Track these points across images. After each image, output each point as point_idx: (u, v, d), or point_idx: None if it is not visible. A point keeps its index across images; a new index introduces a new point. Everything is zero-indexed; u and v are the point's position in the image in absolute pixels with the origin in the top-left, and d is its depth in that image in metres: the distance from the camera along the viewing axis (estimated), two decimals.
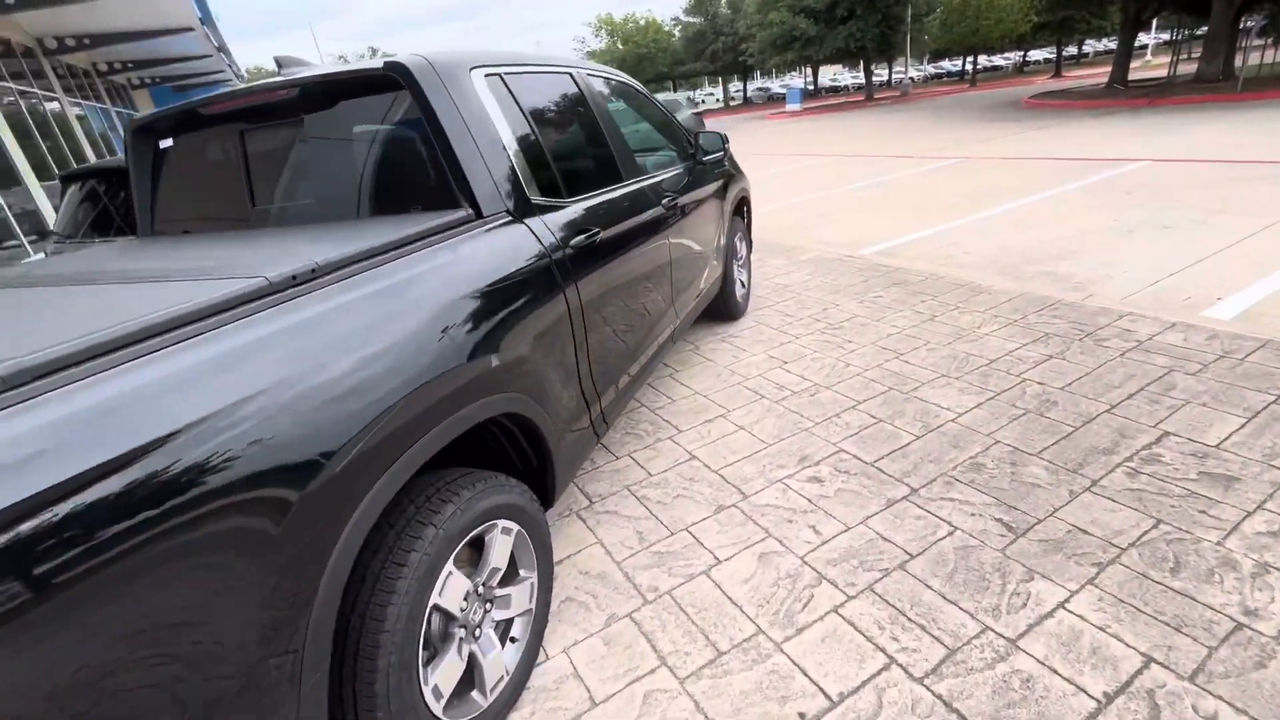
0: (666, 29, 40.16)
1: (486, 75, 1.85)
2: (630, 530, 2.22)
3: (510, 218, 1.71)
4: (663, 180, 2.76)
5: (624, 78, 2.89)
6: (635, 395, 2.74)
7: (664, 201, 2.62)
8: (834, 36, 24.84)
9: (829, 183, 9.21)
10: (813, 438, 2.63)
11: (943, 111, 18.81)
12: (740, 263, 4.10)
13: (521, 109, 1.96)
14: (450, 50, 1.79)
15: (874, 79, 30.77)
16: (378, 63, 1.65)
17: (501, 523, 1.49)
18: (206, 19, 11.97)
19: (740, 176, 3.95)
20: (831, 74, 55.12)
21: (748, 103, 45.61)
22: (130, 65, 15.17)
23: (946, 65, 51.09)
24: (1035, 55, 45.87)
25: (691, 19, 38.08)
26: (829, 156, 12.17)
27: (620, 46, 38.26)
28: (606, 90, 2.68)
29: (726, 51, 36.51)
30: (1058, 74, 29.32)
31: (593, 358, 2.00)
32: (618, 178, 2.39)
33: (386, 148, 1.83)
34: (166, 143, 2.08)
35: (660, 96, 13.48)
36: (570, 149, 2.25)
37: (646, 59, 37.76)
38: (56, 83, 11.49)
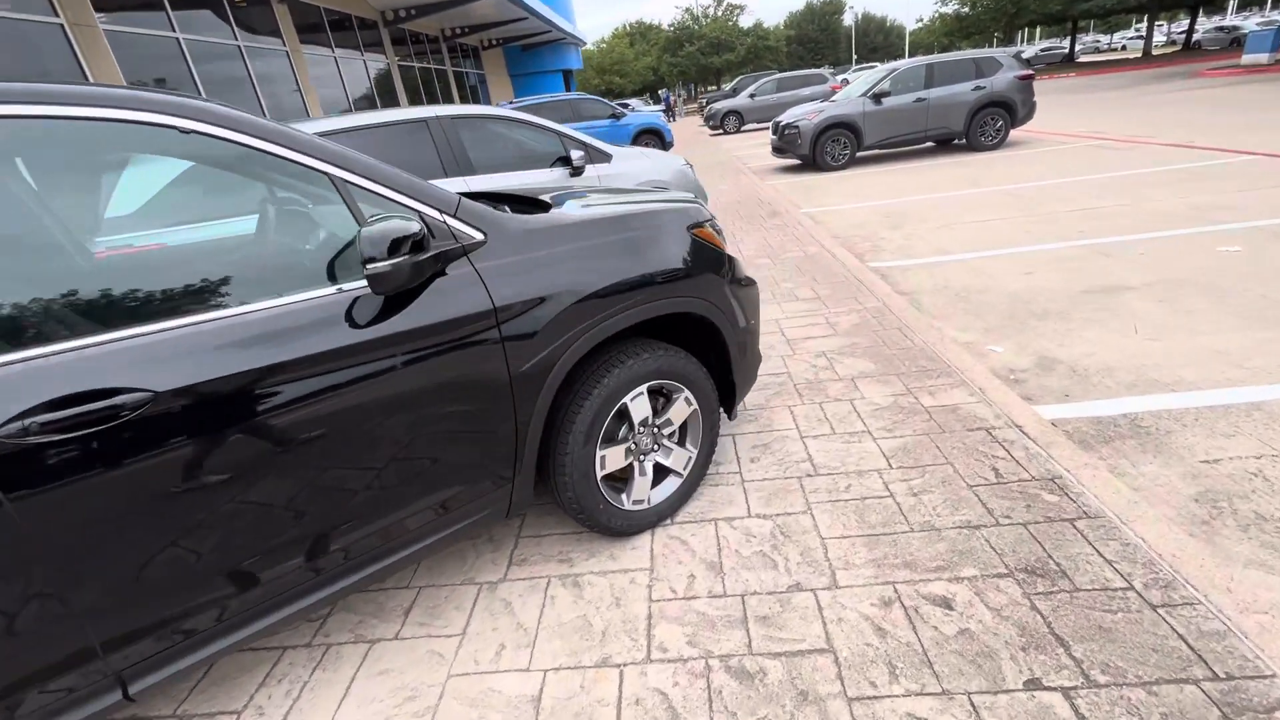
0: None
1: None
2: None
3: None
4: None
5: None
6: None
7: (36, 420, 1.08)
8: None
9: (1182, 215, 5.29)
10: None
11: None
12: (669, 434, 2.12)
13: None
14: None
15: None
16: None
17: None
18: None
19: (687, 280, 1.92)
20: None
21: (1190, 49, 32.49)
22: (466, 30, 17.49)
23: None
24: None
25: None
26: (1253, 157, 7.26)
27: None
28: None
29: None
30: None
31: None
32: None
33: None
34: None
35: (976, 51, 9.80)
36: None
37: None
38: (392, 49, 13.63)
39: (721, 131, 20.59)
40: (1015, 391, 2.86)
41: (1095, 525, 1.91)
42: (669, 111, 36.35)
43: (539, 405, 1.71)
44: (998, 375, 3.03)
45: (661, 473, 2.16)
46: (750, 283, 2.29)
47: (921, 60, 9.94)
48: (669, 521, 2.18)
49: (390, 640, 1.84)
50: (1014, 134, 10.59)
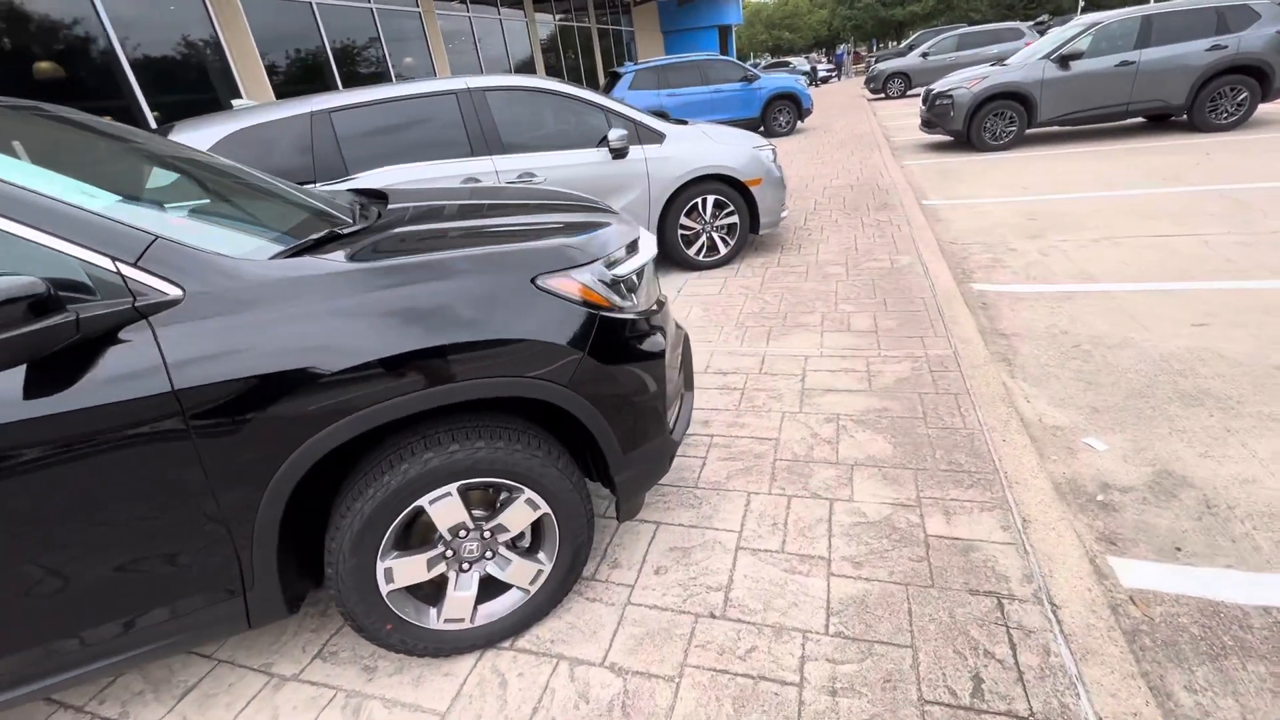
0: None
1: None
2: None
3: None
4: None
5: None
6: None
7: None
8: None
9: None
10: None
11: None
12: (507, 542, 1.62)
13: None
14: None
15: None
16: None
17: None
18: None
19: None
20: None
21: None
22: None
23: None
24: None
25: None
26: None
27: None
28: None
29: None
30: None
31: None
32: None
33: None
34: None
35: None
36: None
37: None
38: (531, 6, 13.57)
39: (883, 96, 18.31)
40: (1087, 526, 1.94)
41: None
42: (839, 71, 33.43)
43: (264, 513, 1.31)
44: (1072, 495, 2.10)
45: (499, 584, 1.68)
46: (650, 353, 1.67)
47: (1136, 11, 7.75)
48: (505, 645, 1.71)
49: None
50: (1263, 110, 8.01)
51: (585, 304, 1.54)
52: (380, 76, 9.44)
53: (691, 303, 4.11)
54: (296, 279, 1.30)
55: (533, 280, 1.47)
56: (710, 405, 2.80)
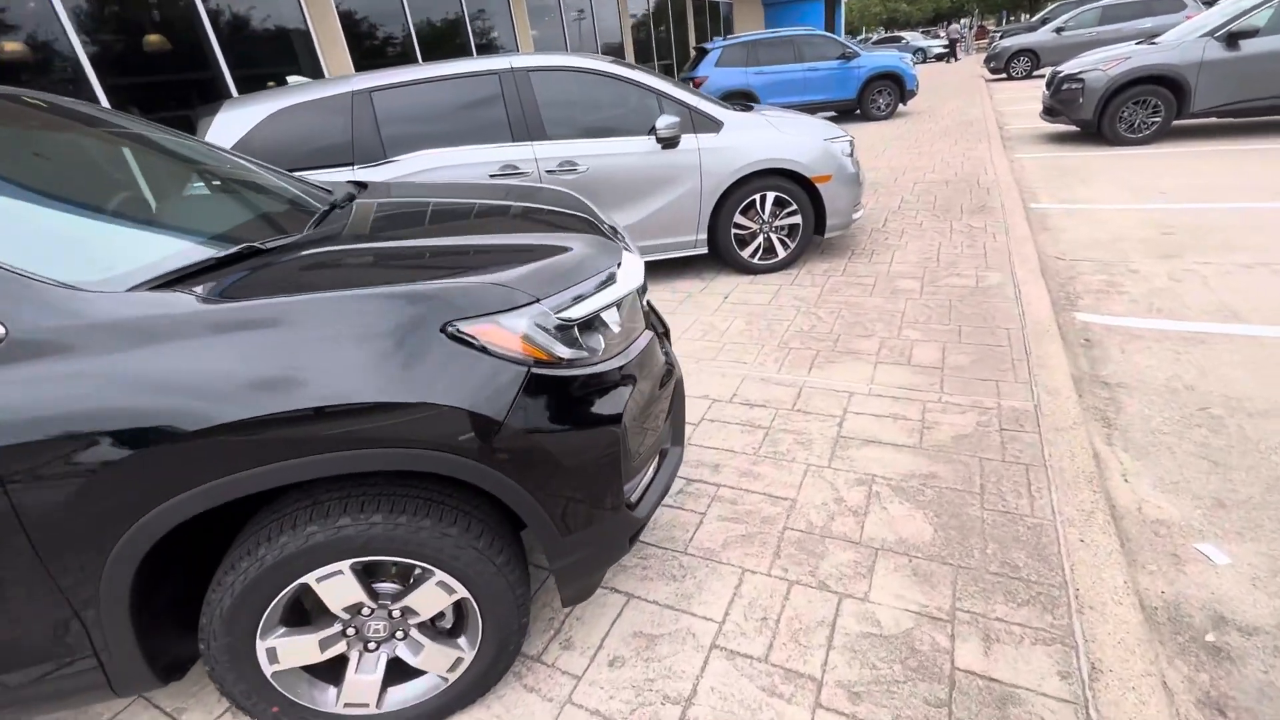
0: None
1: None
2: None
3: None
4: None
5: None
6: None
7: None
8: None
9: None
10: None
11: None
12: (420, 624, 1.37)
13: None
14: None
15: None
16: None
17: None
18: None
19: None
20: None
21: None
22: None
23: None
24: None
25: None
26: None
27: None
28: None
29: None
30: None
31: None
32: None
33: None
34: None
35: None
36: None
37: None
38: None
39: (1004, 76, 16.48)
40: (1185, 680, 1.44)
41: None
42: (953, 49, 30.73)
43: (108, 586, 1.12)
44: (1169, 628, 1.59)
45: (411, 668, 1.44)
46: (603, 416, 1.34)
47: None
48: None
49: None
50: None
51: (516, 356, 1.24)
52: (463, 51, 9.42)
53: (735, 312, 3.71)
54: (146, 318, 1.08)
55: (444, 327, 1.19)
56: (725, 445, 2.44)
